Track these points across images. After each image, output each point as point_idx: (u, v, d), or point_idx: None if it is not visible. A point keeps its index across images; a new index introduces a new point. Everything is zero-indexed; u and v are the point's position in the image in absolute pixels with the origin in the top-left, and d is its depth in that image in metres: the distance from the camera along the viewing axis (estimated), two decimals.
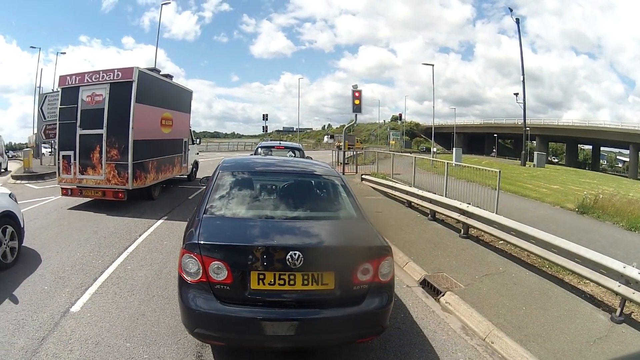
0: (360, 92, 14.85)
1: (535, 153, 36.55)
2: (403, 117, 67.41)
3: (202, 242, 2.74)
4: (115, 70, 8.77)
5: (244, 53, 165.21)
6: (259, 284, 2.67)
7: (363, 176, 13.09)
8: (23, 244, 5.61)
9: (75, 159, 8.98)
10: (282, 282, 2.68)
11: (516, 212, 7.80)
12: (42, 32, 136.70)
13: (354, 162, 18.48)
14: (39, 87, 28.60)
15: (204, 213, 3.18)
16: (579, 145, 67.50)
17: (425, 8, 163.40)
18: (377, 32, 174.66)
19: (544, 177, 21.32)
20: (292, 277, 2.68)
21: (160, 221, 7.92)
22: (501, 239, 5.53)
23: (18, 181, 15.52)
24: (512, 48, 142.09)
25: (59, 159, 9.26)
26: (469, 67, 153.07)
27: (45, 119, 18.82)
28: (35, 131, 24.10)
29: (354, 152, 20.74)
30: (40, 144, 23.89)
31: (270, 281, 2.67)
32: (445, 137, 73.03)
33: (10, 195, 5.63)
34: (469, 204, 6.41)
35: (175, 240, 6.49)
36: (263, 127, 38.42)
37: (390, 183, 10.74)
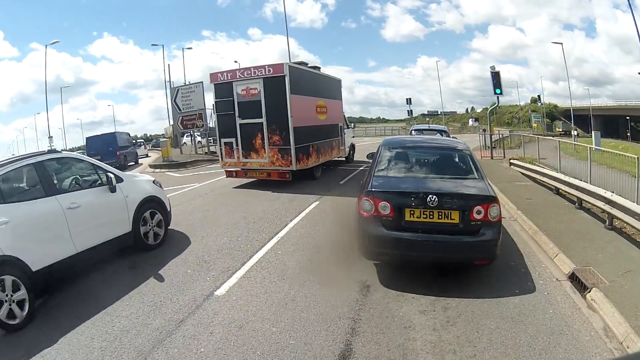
0: (498, 73, 14.38)
1: None
2: (542, 99, 62.58)
3: (374, 190, 4.26)
4: (266, 67, 9.57)
5: (375, 38, 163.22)
6: (410, 217, 4.04)
7: (511, 161, 12.39)
8: (169, 227, 6.02)
9: (237, 145, 10.10)
10: (424, 216, 4.02)
11: None
12: (159, 32, 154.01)
13: (501, 146, 17.40)
14: (169, 81, 29.89)
15: (374, 174, 4.67)
16: None
17: None
18: (501, 10, 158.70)
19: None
20: (431, 213, 4.00)
21: (313, 205, 7.88)
22: None
23: (157, 170, 16.47)
24: (628, 23, 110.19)
25: (220, 146, 10.51)
26: (594, 44, 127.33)
27: (180, 110, 20.43)
28: (171, 123, 25.78)
29: (500, 136, 19.53)
30: (179, 134, 25.43)
31: (417, 215, 4.03)
32: (581, 119, 64.94)
33: (154, 181, 6.07)
34: (613, 192, 6.09)
35: (328, 226, 6.33)
36: (408, 111, 38.42)
37: (537, 168, 10.22)
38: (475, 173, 4.74)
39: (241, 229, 6.35)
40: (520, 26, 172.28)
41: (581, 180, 7.64)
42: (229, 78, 9.97)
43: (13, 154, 8.00)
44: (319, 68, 12.44)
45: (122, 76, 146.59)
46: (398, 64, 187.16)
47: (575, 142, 14.01)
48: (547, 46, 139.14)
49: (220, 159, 10.69)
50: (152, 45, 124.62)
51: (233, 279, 4.41)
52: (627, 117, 59.95)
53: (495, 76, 14.33)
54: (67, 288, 4.39)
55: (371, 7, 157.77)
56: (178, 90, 20.74)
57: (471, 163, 4.90)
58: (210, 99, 13.89)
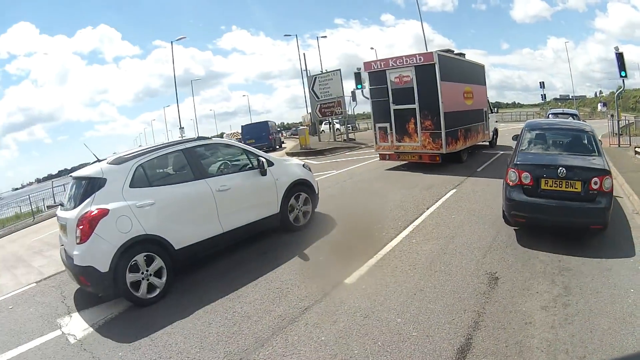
0: (622, 54, 13.49)
1: None
2: None
3: (518, 162, 5.17)
4: (417, 55, 10.14)
5: (506, 19, 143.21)
6: (544, 185, 4.89)
7: (637, 149, 11.41)
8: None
9: (391, 130, 10.70)
10: (555, 185, 4.84)
11: None
12: (289, 23, 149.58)
13: (627, 133, 16.46)
14: (305, 70, 30.96)
15: (519, 150, 5.64)
16: None
17: None
18: None
19: None
20: (560, 183, 4.82)
21: (452, 191, 7.95)
22: None
23: (294, 158, 16.75)
24: None
25: (375, 131, 11.21)
26: None
27: (318, 98, 20.54)
28: (309, 111, 25.92)
29: (627, 122, 19.67)
30: (317, 122, 25.87)
31: (550, 184, 4.86)
32: None
33: (304, 165, 6.43)
34: None
35: (464, 215, 6.29)
36: (541, 95, 38.35)
37: None
38: (596, 151, 5.54)
39: (378, 215, 6.51)
40: (635, 3, 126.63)
41: None
42: (382, 67, 10.59)
43: (140, 145, 8.95)
44: (464, 55, 12.65)
45: (256, 67, 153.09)
46: (530, 45, 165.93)
47: None
48: None
49: (375, 142, 11.44)
50: (285, 35, 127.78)
51: (364, 267, 4.55)
52: None
53: (620, 57, 13.52)
54: (202, 268, 4.89)
55: None
56: (315, 78, 21.13)
57: (594, 143, 5.72)
58: (348, 86, 14.53)
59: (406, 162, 11.17)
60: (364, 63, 11.34)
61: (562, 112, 15.78)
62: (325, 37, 74.98)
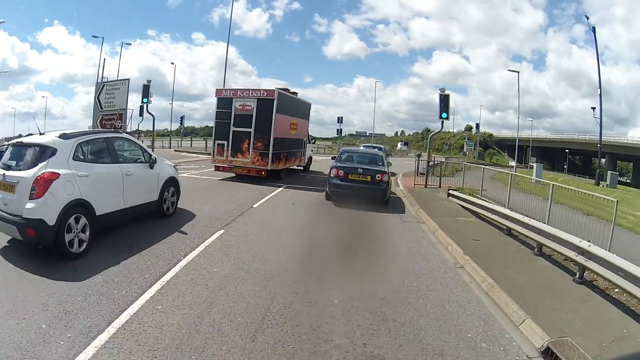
0: (448, 96, 14.02)
1: (609, 173, 33.64)
2: (479, 126, 64.86)
3: (337, 166, 10.29)
4: (261, 90, 12.86)
5: (316, 54, 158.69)
6: (351, 177, 9.90)
7: (450, 192, 11.75)
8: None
9: (228, 147, 13.00)
10: (356, 177, 9.93)
11: (617, 245, 6.32)
12: (107, 25, 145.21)
13: (434, 173, 16.48)
14: (103, 77, 28.38)
15: (338, 160, 11.06)
16: None
17: (498, 12, 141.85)
18: (450, 37, 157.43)
19: (623, 200, 17.40)
20: (359, 176, 9.94)
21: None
22: (625, 290, 4.55)
23: (166, 159, 16.98)
24: (582, 59, 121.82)
25: (214, 146, 13.36)
26: (541, 77, 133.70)
27: (101, 108, 17.98)
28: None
29: (437, 162, 19.27)
30: None
31: (353, 177, 9.91)
32: (518, 149, 67.79)
33: (174, 166, 8.00)
34: (590, 241, 5.32)
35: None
36: (337, 129, 40.19)
37: (484, 203, 9.16)
38: (382, 163, 10.88)
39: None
40: (467, 54, 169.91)
41: (542, 222, 6.80)
42: (231, 95, 12.98)
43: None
44: (296, 94, 16.14)
45: (63, 68, 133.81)
46: (334, 82, 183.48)
47: (515, 173, 13.14)
48: (490, 76, 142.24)
49: (212, 155, 13.59)
50: (93, 37, 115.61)
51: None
52: (567, 150, 62.74)
53: (444, 99, 14.07)
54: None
55: (318, 23, 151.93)
56: (103, 86, 18.81)
57: (382, 160, 11.17)
58: (133, 99, 15.74)
59: (235, 174, 13.52)
60: (216, 89, 13.67)
61: (371, 145, 23.56)
62: (130, 44, 68.46)
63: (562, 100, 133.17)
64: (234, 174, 13.63)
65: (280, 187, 12.32)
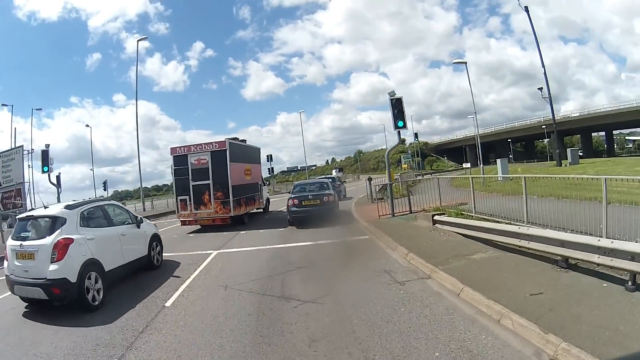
0: (400, 100, 11.97)
1: (569, 150, 36.63)
2: (417, 136, 66.93)
3: (292, 196, 13.32)
4: (213, 143, 13.76)
5: (235, 98, 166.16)
6: (304, 203, 12.84)
7: (435, 217, 9.19)
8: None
9: (190, 201, 13.75)
10: (308, 202, 12.87)
11: None
12: (31, 97, 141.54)
13: (384, 195, 15.00)
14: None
15: (292, 192, 13.95)
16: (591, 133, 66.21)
17: (411, 23, 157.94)
18: (366, 57, 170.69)
19: (604, 172, 16.32)
20: (310, 201, 12.88)
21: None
22: None
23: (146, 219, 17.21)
24: (501, 50, 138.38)
25: (177, 202, 14.12)
26: (462, 77, 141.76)
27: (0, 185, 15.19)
28: None
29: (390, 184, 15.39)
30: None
31: (306, 203, 12.84)
32: (456, 152, 71.61)
33: (155, 225, 9.01)
34: None
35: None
36: (269, 169, 40.80)
37: (509, 228, 6.61)
38: (328, 187, 13.68)
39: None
40: (384, 71, 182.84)
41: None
42: (185, 151, 13.88)
43: None
44: (245, 141, 17.25)
45: None
46: (258, 123, 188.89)
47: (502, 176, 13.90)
48: (410, 87, 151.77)
49: (177, 211, 14.26)
50: (2, 105, 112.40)
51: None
52: (509, 140, 65.76)
53: (397, 104, 11.89)
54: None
55: (233, 66, 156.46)
56: None
57: (327, 185, 13.89)
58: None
59: (202, 225, 14.25)
60: (171, 148, 14.30)
61: (326, 176, 28.58)
62: (41, 109, 67.45)
63: (488, 95, 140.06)
64: (199, 226, 14.37)
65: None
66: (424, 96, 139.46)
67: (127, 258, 7.13)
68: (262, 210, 18.65)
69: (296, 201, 12.86)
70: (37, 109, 55.45)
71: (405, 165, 69.30)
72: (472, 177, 9.93)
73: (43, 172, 17.19)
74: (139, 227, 7.86)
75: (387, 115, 12.56)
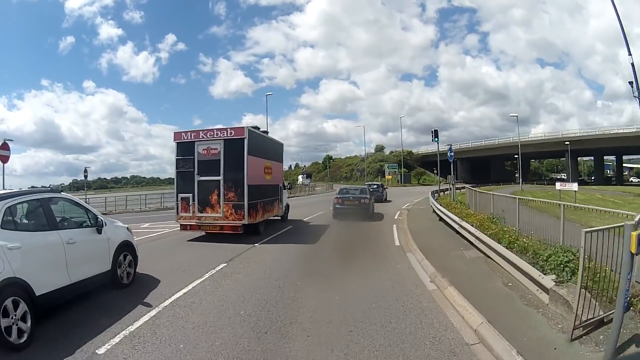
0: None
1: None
2: (402, 143, 65.26)
3: (338, 196, 16.90)
4: (228, 129, 10.77)
5: (203, 94, 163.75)
6: (346, 203, 16.40)
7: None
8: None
9: (194, 200, 10.69)
10: (350, 202, 16.46)
11: None
12: (4, 76, 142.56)
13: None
14: None
15: (338, 193, 18.00)
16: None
17: (387, 33, 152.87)
18: (338, 64, 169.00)
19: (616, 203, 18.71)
20: (352, 201, 16.50)
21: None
22: None
23: (118, 221, 15.04)
24: (476, 68, 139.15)
25: (177, 201, 11.05)
26: (433, 92, 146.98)
27: None
28: None
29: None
30: None
31: (348, 202, 16.43)
32: (441, 165, 71.14)
33: (127, 228, 6.81)
34: None
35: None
36: None
37: None
38: (366, 193, 17.18)
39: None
40: (355, 79, 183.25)
41: None
42: (192, 138, 10.84)
43: None
44: (267, 132, 14.15)
45: None
46: (223, 121, 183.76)
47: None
48: (379, 98, 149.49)
49: (176, 212, 11.15)
50: None
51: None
52: (489, 158, 63.97)
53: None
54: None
55: (203, 62, 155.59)
56: None
57: (366, 191, 17.88)
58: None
59: (207, 232, 11.18)
60: (175, 133, 11.27)
61: (372, 184, 30.73)
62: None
63: (457, 112, 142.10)
64: (204, 232, 11.30)
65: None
66: (392, 109, 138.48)
67: (77, 276, 5.12)
68: (279, 217, 15.20)
69: (340, 200, 16.31)
70: None
71: (390, 177, 65.88)
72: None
73: None
74: (99, 231, 5.81)
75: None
